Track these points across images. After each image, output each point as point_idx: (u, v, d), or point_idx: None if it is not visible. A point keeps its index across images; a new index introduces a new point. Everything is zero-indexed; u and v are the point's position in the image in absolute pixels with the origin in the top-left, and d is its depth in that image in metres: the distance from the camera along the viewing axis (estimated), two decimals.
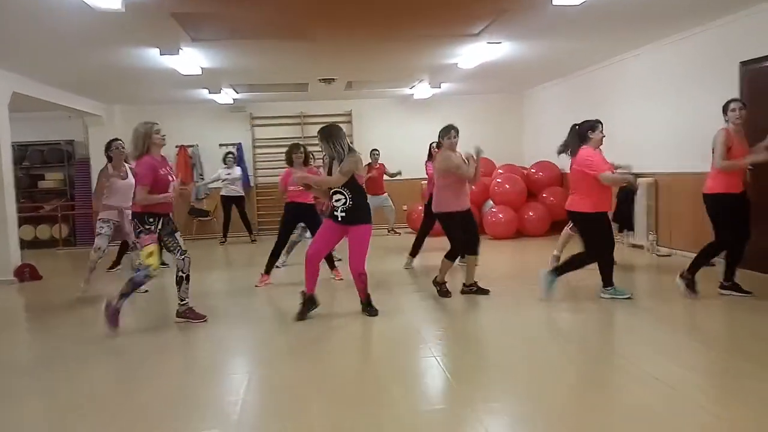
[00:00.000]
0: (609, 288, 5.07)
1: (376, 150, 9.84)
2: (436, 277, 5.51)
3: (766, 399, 3.00)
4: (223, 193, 10.27)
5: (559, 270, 5.15)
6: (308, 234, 6.80)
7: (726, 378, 3.39)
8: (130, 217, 5.98)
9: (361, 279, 4.88)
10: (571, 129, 5.20)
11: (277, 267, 6.68)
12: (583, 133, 5.06)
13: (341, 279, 6.30)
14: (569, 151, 5.16)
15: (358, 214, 4.82)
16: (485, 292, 5.44)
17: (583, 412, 2.96)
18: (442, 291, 5.45)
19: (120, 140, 6.12)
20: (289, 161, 6.54)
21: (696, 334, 4.29)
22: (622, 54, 8.07)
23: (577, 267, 5.12)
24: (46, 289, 6.89)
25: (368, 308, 4.92)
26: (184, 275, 4.76)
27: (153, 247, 4.60)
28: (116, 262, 7.57)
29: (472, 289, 5.49)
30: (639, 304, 4.95)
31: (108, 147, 6.11)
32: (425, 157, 7.54)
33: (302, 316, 4.81)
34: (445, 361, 3.77)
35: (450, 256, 5.42)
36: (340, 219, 4.81)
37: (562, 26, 6.33)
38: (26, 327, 5.40)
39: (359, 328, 4.67)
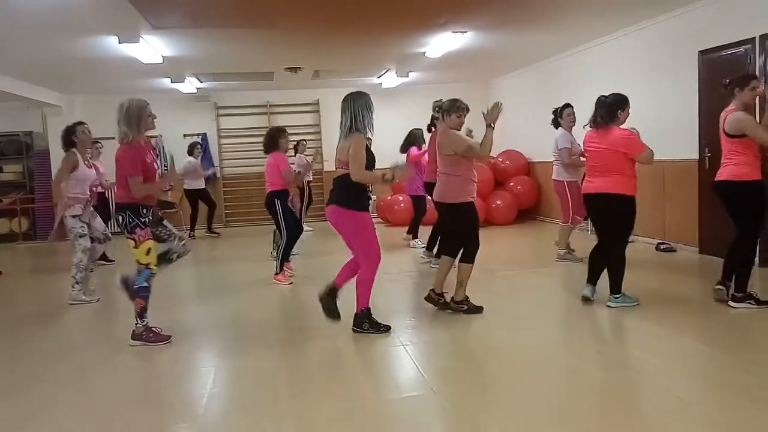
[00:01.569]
0: (618, 295, 4.45)
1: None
2: (452, 297, 4.58)
3: (712, 375, 3.09)
4: (186, 186, 9.99)
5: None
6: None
7: (680, 357, 3.48)
8: (91, 210, 5.79)
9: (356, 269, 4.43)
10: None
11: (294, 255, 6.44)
12: (613, 111, 4.45)
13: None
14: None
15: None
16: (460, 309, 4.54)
17: (555, 396, 3.02)
18: (469, 308, 4.51)
19: (85, 123, 5.68)
20: (273, 146, 6.05)
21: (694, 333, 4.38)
22: (586, 43, 8.18)
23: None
24: (6, 284, 6.70)
25: (332, 299, 4.26)
26: (174, 257, 4.34)
27: (151, 243, 4.06)
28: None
29: (439, 300, 4.62)
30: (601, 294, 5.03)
31: (72, 131, 5.53)
32: (397, 145, 7.39)
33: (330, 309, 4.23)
34: (413, 350, 3.79)
35: (467, 258, 4.51)
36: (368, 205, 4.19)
37: (526, 16, 6.38)
38: None
39: (323, 322, 4.64)
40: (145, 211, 4.07)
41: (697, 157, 6.23)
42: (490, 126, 4.40)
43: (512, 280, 5.63)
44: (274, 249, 6.60)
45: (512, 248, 7.82)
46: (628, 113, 4.54)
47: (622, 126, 4.51)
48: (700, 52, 6.17)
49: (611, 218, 4.46)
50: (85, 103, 10.57)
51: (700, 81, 6.19)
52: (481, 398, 3.04)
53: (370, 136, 4.12)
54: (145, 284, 4.08)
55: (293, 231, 5.93)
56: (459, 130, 4.56)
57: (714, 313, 4.26)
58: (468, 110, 4.59)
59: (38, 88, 9.34)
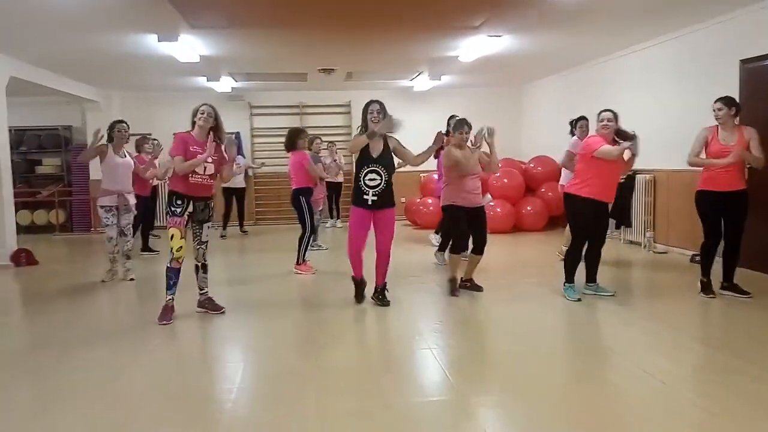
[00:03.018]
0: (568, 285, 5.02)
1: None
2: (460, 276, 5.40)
3: (756, 396, 3.02)
4: (223, 185, 10.14)
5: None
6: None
7: (717, 375, 3.40)
8: (129, 203, 6.01)
9: (388, 261, 4.88)
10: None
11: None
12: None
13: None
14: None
15: (390, 197, 4.75)
16: (479, 288, 5.36)
17: (577, 405, 2.98)
18: (452, 287, 5.27)
19: (124, 123, 6.09)
20: (293, 146, 6.47)
21: (689, 331, 4.30)
22: (621, 50, 8.06)
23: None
24: (43, 274, 6.88)
25: (382, 296, 4.92)
26: (199, 264, 4.71)
27: (173, 231, 4.44)
28: (144, 246, 7.70)
29: (466, 284, 5.41)
30: (630, 301, 4.96)
31: (112, 128, 6.03)
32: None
33: (360, 298, 4.94)
34: (440, 353, 3.78)
35: (452, 250, 5.36)
36: (371, 203, 4.66)
37: (562, 21, 6.31)
38: (22, 312, 5.39)
39: (354, 318, 4.68)
40: (179, 201, 4.44)
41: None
42: (478, 142, 5.17)
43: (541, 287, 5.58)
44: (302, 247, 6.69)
45: (539, 254, 7.73)
46: (605, 124, 4.83)
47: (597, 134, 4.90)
48: (741, 61, 6.03)
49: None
50: (122, 99, 10.81)
51: (741, 90, 6.05)
52: (508, 405, 3.02)
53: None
54: (168, 265, 4.53)
55: (315, 226, 6.43)
56: (461, 146, 5.21)
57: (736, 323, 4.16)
58: (470, 127, 5.25)
59: (78, 83, 9.59)
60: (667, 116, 7.22)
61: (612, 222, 7.93)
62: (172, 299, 4.59)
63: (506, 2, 5.60)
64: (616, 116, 4.87)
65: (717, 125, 4.83)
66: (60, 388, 3.30)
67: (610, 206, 5.14)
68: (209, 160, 4.45)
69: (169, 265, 4.54)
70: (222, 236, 9.91)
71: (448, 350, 3.88)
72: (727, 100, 4.79)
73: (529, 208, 9.49)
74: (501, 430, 2.76)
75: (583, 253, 5.08)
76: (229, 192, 10.10)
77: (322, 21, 6.22)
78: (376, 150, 4.68)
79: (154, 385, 3.34)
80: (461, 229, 5.29)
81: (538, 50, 7.93)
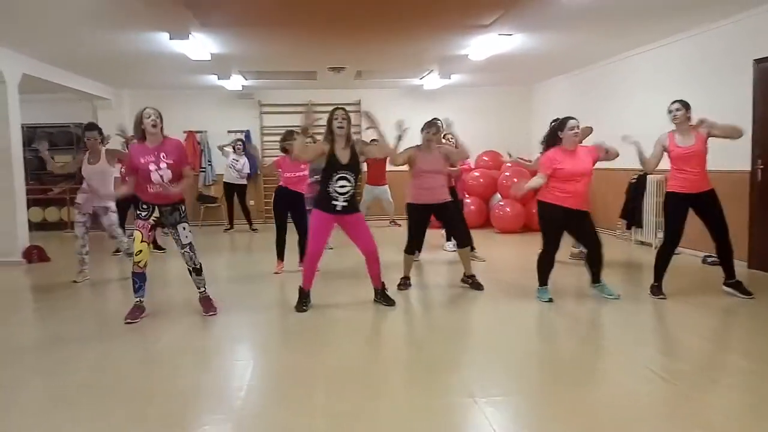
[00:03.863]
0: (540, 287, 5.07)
1: (375, 140, 9.83)
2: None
3: (756, 391, 3.00)
4: (225, 179, 10.26)
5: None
6: None
7: (727, 375, 3.38)
8: (103, 205, 6.04)
9: (378, 261, 4.86)
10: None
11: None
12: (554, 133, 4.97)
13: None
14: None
15: (356, 202, 4.86)
16: (479, 287, 5.41)
17: (583, 405, 2.96)
18: (400, 283, 5.47)
19: (95, 130, 5.97)
20: (284, 148, 6.42)
21: (690, 331, 4.27)
22: (633, 49, 8.00)
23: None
24: (54, 271, 6.93)
25: (385, 297, 4.92)
26: (190, 268, 4.69)
27: (136, 233, 4.49)
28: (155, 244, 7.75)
29: (468, 281, 5.48)
30: (639, 302, 4.93)
31: (82, 132, 6.08)
32: None
33: (301, 308, 4.77)
34: (444, 353, 3.77)
35: (405, 250, 5.48)
36: (340, 208, 4.67)
37: (573, 19, 6.28)
38: (33, 308, 5.44)
39: (361, 317, 4.67)
40: (144, 206, 4.50)
41: (749, 169, 6.03)
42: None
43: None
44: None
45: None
46: (572, 131, 4.83)
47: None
48: (755, 60, 5.97)
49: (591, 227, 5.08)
50: (132, 97, 10.86)
51: (754, 90, 5.99)
52: (514, 404, 3.01)
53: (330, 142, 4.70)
54: (132, 270, 4.56)
55: (282, 232, 6.39)
56: (428, 146, 5.35)
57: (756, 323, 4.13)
58: (437, 129, 5.41)
59: (90, 81, 9.65)
60: None
61: (623, 222, 7.94)
62: (141, 300, 4.61)
63: (518, 1, 5.57)
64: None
65: (672, 131, 4.90)
66: (68, 386, 3.32)
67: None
68: (163, 166, 4.39)
69: (133, 269, 4.56)
70: (226, 229, 10.21)
71: (452, 350, 3.87)
72: (684, 102, 4.87)
73: None
74: (508, 428, 2.75)
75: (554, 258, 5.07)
76: (230, 189, 10.18)
77: (332, 20, 6.22)
78: (345, 157, 4.66)
79: (163, 382, 3.35)
80: (414, 230, 5.41)
81: (549, 49, 7.89)
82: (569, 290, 5.36)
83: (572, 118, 4.86)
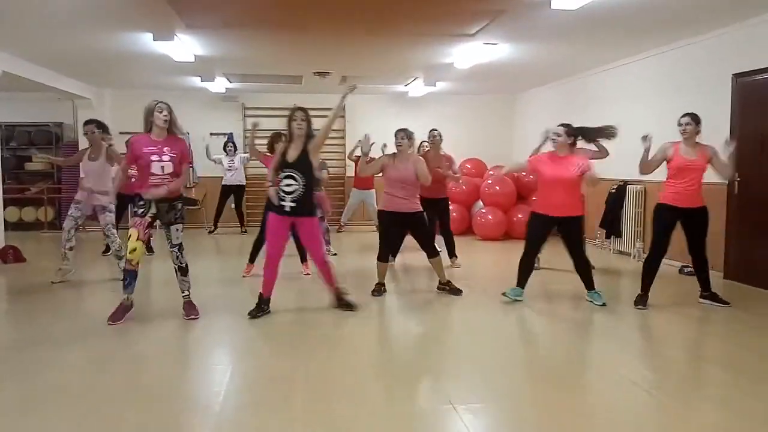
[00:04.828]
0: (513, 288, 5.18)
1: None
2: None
3: (736, 404, 3.04)
4: (224, 182, 10.12)
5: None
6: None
7: (706, 387, 3.42)
8: (101, 203, 5.97)
9: (328, 268, 4.83)
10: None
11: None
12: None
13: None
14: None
15: (310, 205, 4.67)
16: (457, 291, 5.47)
17: (564, 415, 2.98)
18: (374, 289, 5.46)
19: (92, 123, 5.99)
20: (272, 149, 6.39)
21: (670, 341, 4.32)
22: (615, 61, 8.11)
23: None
24: (30, 271, 6.81)
25: (341, 301, 4.88)
26: (176, 267, 4.66)
27: (132, 231, 4.44)
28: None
29: (445, 288, 5.52)
30: (618, 311, 4.99)
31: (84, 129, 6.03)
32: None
33: (254, 315, 4.67)
34: (423, 360, 3.77)
35: (378, 257, 5.46)
36: (288, 209, 4.54)
37: (558, 31, 6.35)
38: (7, 309, 5.33)
39: (341, 323, 4.65)
40: (141, 202, 4.45)
41: (726, 182, 6.13)
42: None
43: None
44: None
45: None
46: (553, 136, 5.11)
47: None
48: (734, 74, 6.08)
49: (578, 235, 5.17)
50: (114, 97, 10.74)
51: (732, 104, 6.11)
52: (492, 412, 3.01)
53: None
54: (125, 266, 4.54)
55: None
56: (400, 153, 5.34)
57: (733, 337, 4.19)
58: (406, 136, 5.35)
59: (71, 80, 9.52)
60: (659, 129, 7.20)
61: (602, 232, 8.03)
62: (128, 298, 4.57)
63: (503, 11, 5.62)
64: (571, 130, 5.04)
65: (678, 141, 4.97)
66: (41, 389, 3.26)
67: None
68: (166, 158, 4.38)
69: (125, 266, 4.55)
70: (210, 231, 10.09)
71: (431, 356, 3.88)
72: (695, 117, 4.95)
73: (520, 215, 9.49)
74: None
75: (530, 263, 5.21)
76: (228, 191, 10.08)
77: (318, 24, 6.22)
78: (293, 155, 4.58)
79: (141, 386, 3.31)
80: (386, 238, 5.42)
81: (533, 59, 7.97)
82: (554, 297, 5.39)
83: (562, 125, 5.02)
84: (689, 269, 6.47)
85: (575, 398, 3.20)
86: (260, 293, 4.77)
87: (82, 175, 5.94)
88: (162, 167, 4.39)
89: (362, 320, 4.71)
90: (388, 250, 5.50)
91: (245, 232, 10.21)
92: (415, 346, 4.12)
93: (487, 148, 11.18)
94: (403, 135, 5.35)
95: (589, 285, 5.14)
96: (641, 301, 5.03)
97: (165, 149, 4.41)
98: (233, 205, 10.33)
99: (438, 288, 5.57)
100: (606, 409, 3.02)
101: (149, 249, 7.65)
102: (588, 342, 4.34)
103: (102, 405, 3.03)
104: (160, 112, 4.38)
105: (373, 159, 5.80)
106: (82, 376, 3.47)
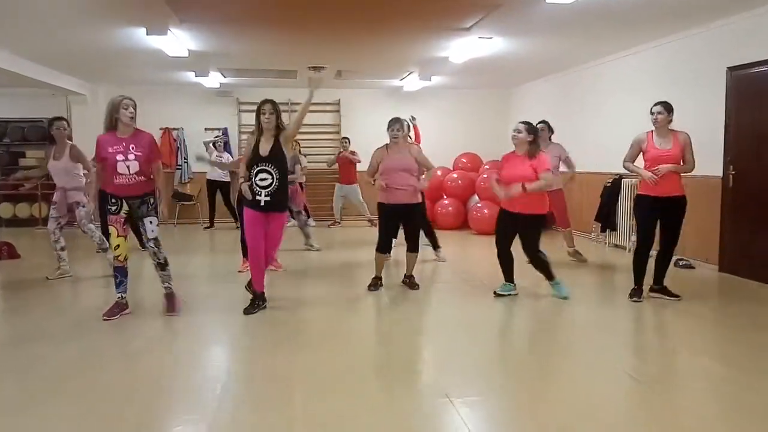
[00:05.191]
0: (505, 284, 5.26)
1: (346, 138, 10.25)
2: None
3: (727, 396, 3.06)
4: (209, 177, 10.13)
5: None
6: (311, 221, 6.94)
7: (701, 379, 3.44)
8: (75, 200, 5.99)
9: (267, 266, 4.86)
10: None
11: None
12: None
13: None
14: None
15: (283, 200, 4.65)
16: (414, 286, 5.51)
17: (558, 407, 2.99)
18: (371, 283, 5.50)
19: (63, 120, 5.98)
20: None
21: (666, 334, 4.34)
22: (611, 54, 8.11)
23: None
24: (25, 268, 6.78)
25: (254, 304, 4.73)
26: (154, 263, 4.63)
27: (111, 228, 4.47)
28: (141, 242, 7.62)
29: (406, 281, 5.60)
30: (611, 304, 5.01)
31: (50, 125, 5.95)
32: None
33: (249, 311, 4.66)
34: (419, 353, 3.77)
35: (377, 248, 5.47)
36: (263, 203, 4.51)
37: (553, 24, 6.34)
38: (1, 306, 5.31)
39: (338, 318, 4.66)
40: (113, 200, 4.43)
41: (721, 174, 6.15)
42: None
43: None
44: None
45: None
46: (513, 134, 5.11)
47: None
48: (729, 68, 6.09)
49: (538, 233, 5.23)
50: (108, 93, 10.56)
51: (727, 97, 6.12)
52: (489, 405, 3.02)
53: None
54: (114, 264, 4.56)
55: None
56: (394, 144, 5.33)
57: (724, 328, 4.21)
58: (399, 127, 5.30)
59: (65, 75, 9.45)
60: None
61: (597, 225, 8.06)
62: (122, 297, 4.57)
63: (498, 5, 5.61)
64: (532, 128, 5.01)
65: (651, 131, 4.95)
66: (38, 385, 3.25)
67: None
68: (131, 157, 4.34)
69: (114, 263, 4.57)
70: (206, 227, 10.18)
71: (429, 350, 3.89)
72: (667, 105, 4.90)
73: None
74: (484, 428, 2.77)
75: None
76: (213, 185, 10.07)
77: (313, 18, 6.19)
78: (265, 149, 4.53)
79: (137, 382, 3.30)
80: (384, 230, 5.43)
81: (528, 53, 7.96)
82: (549, 291, 5.40)
83: (522, 122, 5.04)
84: (684, 262, 6.53)
85: (571, 390, 3.21)
86: (253, 290, 4.76)
87: (51, 175, 5.90)
88: (128, 167, 4.34)
89: (358, 315, 4.71)
90: (388, 241, 5.49)
91: (240, 226, 10.16)
92: (411, 340, 4.12)
93: (482, 143, 11.17)
94: (399, 126, 5.32)
95: (549, 276, 5.18)
96: (636, 293, 5.04)
97: (131, 147, 4.35)
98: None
99: (402, 281, 5.63)
100: (602, 402, 3.03)
101: (143, 245, 7.61)
102: (584, 335, 4.35)
103: (99, 403, 3.02)
104: (126, 109, 4.32)
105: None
106: (79, 373, 3.46)
